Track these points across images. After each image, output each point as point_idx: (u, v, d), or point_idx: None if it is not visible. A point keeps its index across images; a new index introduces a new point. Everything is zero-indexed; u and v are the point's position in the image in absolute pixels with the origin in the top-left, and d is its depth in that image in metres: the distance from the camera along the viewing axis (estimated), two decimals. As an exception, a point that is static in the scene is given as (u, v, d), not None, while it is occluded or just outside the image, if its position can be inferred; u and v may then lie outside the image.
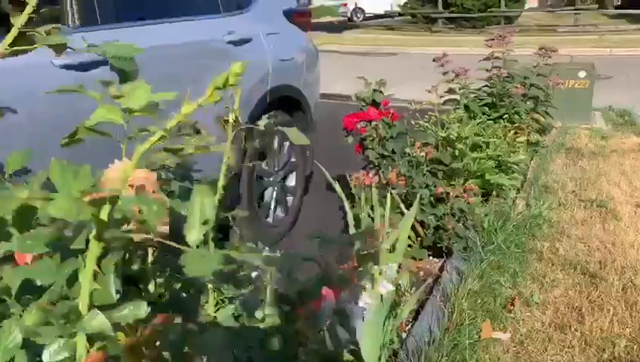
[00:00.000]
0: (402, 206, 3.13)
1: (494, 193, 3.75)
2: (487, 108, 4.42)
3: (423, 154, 3.28)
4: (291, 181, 3.79)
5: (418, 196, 2.98)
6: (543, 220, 3.61)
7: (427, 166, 3.37)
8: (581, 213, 3.76)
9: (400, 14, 21.85)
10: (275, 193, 3.56)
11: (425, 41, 14.59)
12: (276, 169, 3.55)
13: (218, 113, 1.11)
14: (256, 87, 3.15)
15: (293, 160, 3.74)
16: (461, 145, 3.64)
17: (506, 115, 4.36)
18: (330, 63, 12.28)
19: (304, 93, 3.70)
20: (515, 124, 4.33)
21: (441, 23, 18.09)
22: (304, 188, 3.87)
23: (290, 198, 3.75)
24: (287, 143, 3.65)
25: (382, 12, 24.97)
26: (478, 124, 3.83)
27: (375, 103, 3.44)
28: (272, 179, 3.53)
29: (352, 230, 2.79)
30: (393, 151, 3.38)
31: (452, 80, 4.46)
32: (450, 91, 4.57)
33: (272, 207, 3.53)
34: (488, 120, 4.36)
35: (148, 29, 2.63)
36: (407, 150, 3.30)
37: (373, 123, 3.45)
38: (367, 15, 25.83)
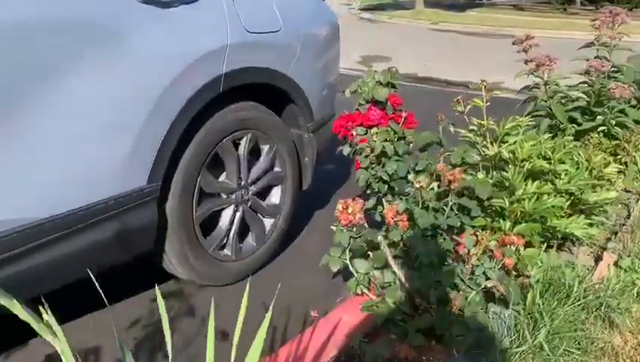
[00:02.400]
0: (395, 266, 1.95)
1: (559, 243, 2.43)
2: (577, 115, 3.00)
3: (433, 185, 2.05)
4: (274, 197, 2.67)
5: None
6: (637, 296, 2.24)
7: (451, 199, 2.14)
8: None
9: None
10: (238, 215, 2.46)
11: (554, 23, 12.59)
12: (241, 182, 2.44)
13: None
14: (197, 69, 2.08)
15: (277, 169, 2.65)
16: (514, 172, 2.34)
17: (604, 127, 2.93)
18: (442, 43, 10.82)
19: (298, 81, 2.60)
20: (616, 141, 2.89)
21: (580, 4, 15.70)
22: (294, 205, 2.76)
23: (269, 221, 2.64)
24: (265, 147, 2.53)
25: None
26: (548, 139, 2.48)
27: (378, 102, 2.23)
28: (233, 196, 2.43)
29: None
30: (395, 176, 2.18)
31: (533, 71, 3.08)
32: (532, 87, 3.20)
33: (233, 234, 2.44)
34: (577, 130, 2.96)
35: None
36: (410, 177, 2.07)
37: (374, 130, 2.25)
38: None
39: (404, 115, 2.31)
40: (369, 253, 2.16)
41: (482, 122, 2.51)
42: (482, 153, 2.50)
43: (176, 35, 2.07)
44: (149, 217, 2.09)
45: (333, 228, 2.17)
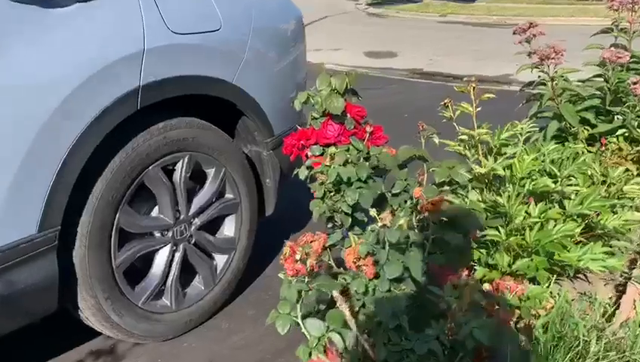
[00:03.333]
0: (355, 328, 1.49)
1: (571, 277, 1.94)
2: (591, 115, 2.48)
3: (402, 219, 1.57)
4: (227, 230, 2.22)
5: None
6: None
7: (431, 233, 1.68)
8: None
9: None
10: (178, 256, 2.00)
11: (567, 10, 11.91)
12: (180, 216, 1.98)
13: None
14: (99, 83, 1.65)
15: (228, 196, 2.20)
16: (511, 194, 1.85)
17: (624, 130, 2.40)
18: (450, 36, 10.25)
19: (247, 90, 2.15)
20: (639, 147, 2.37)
21: (596, -10, 14.99)
22: (253, 237, 2.33)
23: (221, 259, 2.21)
24: (211, 170, 2.06)
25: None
26: (555, 149, 1.98)
27: (336, 116, 1.75)
28: (169, 233, 1.96)
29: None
30: (356, 208, 1.70)
31: (537, 66, 2.56)
32: (536, 84, 2.68)
33: (172, 280, 1.98)
34: (591, 134, 2.44)
35: None
36: (372, 211, 1.60)
37: (331, 150, 1.78)
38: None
39: (368, 129, 1.81)
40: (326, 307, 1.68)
41: (471, 132, 2.01)
42: (473, 170, 1.99)
43: (68, 41, 1.60)
44: (46, 272, 1.64)
45: (281, 276, 1.69)
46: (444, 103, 2.21)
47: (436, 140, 2.14)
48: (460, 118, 2.23)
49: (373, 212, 1.67)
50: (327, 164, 1.71)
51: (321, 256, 1.84)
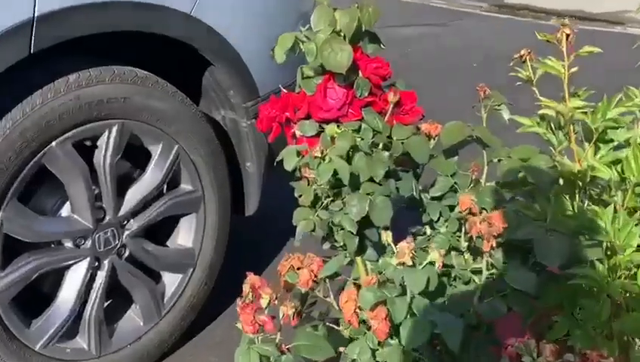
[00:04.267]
0: None
1: None
2: None
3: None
4: (182, 236, 2.03)
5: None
6: None
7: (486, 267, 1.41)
8: None
9: None
10: (101, 276, 1.81)
11: None
12: (105, 216, 1.76)
13: None
14: None
15: (185, 187, 1.98)
16: (619, 210, 1.52)
17: None
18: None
19: (217, 27, 1.88)
20: None
21: None
22: (223, 247, 2.12)
23: (172, 280, 1.99)
24: (156, 148, 1.83)
25: None
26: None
27: (341, 75, 1.43)
28: (87, 243, 1.70)
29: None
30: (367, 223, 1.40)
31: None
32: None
33: (91, 312, 1.78)
34: None
35: None
36: (383, 236, 1.28)
37: (330, 128, 1.48)
38: None
39: (392, 97, 1.46)
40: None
41: (559, 105, 1.65)
42: (559, 165, 1.65)
43: None
44: None
45: (239, 326, 1.39)
46: (520, 56, 1.87)
47: (505, 115, 1.80)
48: (544, 80, 1.87)
49: (386, 237, 1.33)
50: (318, 154, 1.34)
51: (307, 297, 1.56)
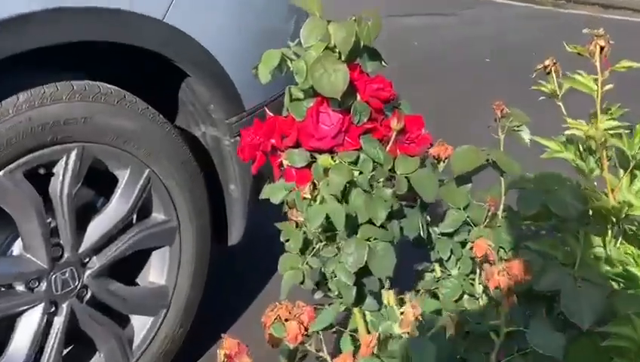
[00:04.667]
0: None
1: None
2: None
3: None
4: (154, 273, 1.98)
5: None
6: None
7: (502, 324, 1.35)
8: None
9: None
10: (59, 323, 1.76)
11: None
12: (62, 254, 1.74)
13: None
14: None
15: (158, 217, 1.93)
16: None
17: None
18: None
19: (194, 34, 1.81)
20: None
21: None
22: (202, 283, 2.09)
23: (141, 324, 1.96)
24: (123, 173, 1.80)
25: None
26: None
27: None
28: (42, 284, 1.70)
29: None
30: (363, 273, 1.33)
31: None
32: None
33: (49, 360, 1.75)
34: None
35: None
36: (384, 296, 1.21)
37: (323, 160, 1.41)
38: None
39: (395, 124, 1.36)
40: None
41: (589, 128, 1.57)
42: (592, 199, 1.57)
43: None
44: None
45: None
46: (544, 67, 1.79)
47: (526, 137, 1.72)
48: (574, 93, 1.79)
49: (387, 297, 1.24)
50: (308, 195, 1.24)
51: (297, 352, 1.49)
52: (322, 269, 1.38)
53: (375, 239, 1.33)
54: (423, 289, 1.69)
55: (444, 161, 1.64)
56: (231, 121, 1.96)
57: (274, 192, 1.47)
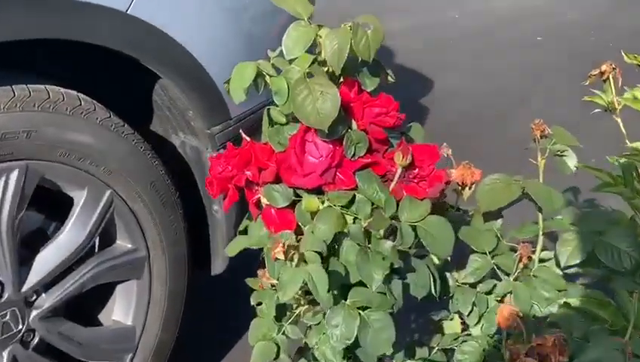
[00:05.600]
0: None
1: None
2: None
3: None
4: (118, 310, 1.86)
5: None
6: None
7: None
8: None
9: None
10: None
11: None
12: (4, 293, 1.60)
13: None
14: None
15: (123, 245, 1.79)
16: None
17: None
18: None
19: (167, 29, 1.66)
20: None
21: None
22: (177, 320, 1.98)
23: None
24: (80, 195, 1.68)
25: None
26: None
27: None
28: None
29: None
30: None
31: None
32: None
33: None
34: None
35: None
36: None
37: (307, 203, 1.20)
38: None
39: (399, 159, 1.17)
40: None
41: None
42: None
43: None
44: None
45: None
46: (601, 73, 1.67)
47: (571, 164, 1.56)
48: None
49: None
50: (281, 256, 1.05)
51: None
52: (303, 341, 1.20)
53: (369, 307, 1.14)
54: (439, 347, 1.53)
55: (470, 188, 1.48)
56: (213, 131, 1.82)
57: (252, 231, 1.31)
